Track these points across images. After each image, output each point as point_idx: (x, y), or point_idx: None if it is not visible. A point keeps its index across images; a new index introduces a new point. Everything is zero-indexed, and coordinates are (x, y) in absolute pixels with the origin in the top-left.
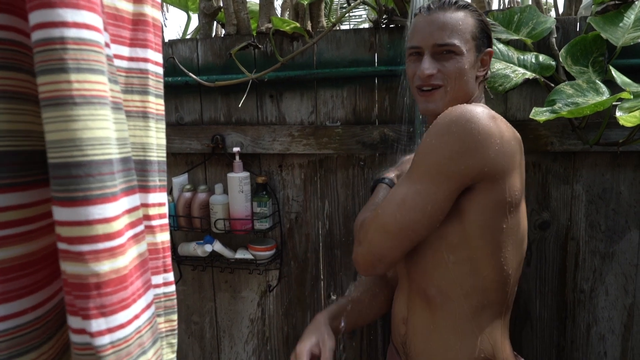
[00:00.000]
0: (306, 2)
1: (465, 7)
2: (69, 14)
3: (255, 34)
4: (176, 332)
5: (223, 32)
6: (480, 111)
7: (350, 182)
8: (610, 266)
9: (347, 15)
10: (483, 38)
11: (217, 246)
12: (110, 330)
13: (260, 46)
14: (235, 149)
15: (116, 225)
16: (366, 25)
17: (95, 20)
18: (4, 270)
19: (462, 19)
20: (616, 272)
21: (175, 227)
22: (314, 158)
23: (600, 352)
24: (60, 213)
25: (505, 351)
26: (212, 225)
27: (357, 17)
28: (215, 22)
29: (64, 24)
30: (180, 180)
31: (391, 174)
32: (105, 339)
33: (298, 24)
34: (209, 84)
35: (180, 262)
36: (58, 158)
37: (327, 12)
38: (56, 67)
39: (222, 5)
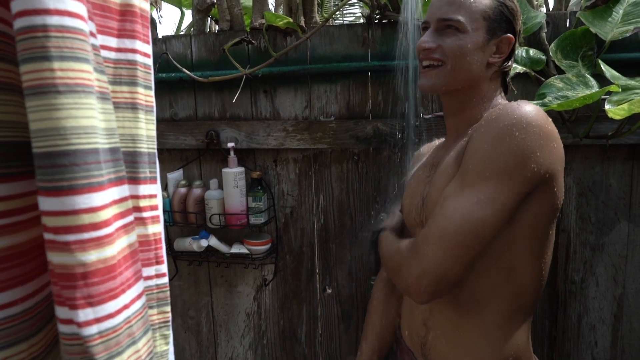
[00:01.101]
0: None
1: None
2: (51, 2)
3: (248, 30)
4: (170, 323)
5: (217, 28)
6: (537, 111)
7: (344, 176)
8: (600, 257)
9: (340, 10)
10: (501, 22)
11: (213, 241)
12: (98, 320)
13: (253, 42)
14: (230, 145)
15: (103, 215)
16: (362, 21)
17: (79, 8)
18: None
19: None
20: (606, 263)
21: (170, 223)
22: (309, 153)
23: (591, 341)
24: (45, 203)
25: (529, 352)
26: (208, 220)
27: (351, 14)
28: (208, 18)
29: (46, 12)
30: (175, 176)
31: (389, 222)
32: (92, 329)
33: (291, 20)
34: (203, 80)
35: (176, 258)
36: (42, 147)
37: (320, 8)
38: (39, 55)
39: (215, 1)
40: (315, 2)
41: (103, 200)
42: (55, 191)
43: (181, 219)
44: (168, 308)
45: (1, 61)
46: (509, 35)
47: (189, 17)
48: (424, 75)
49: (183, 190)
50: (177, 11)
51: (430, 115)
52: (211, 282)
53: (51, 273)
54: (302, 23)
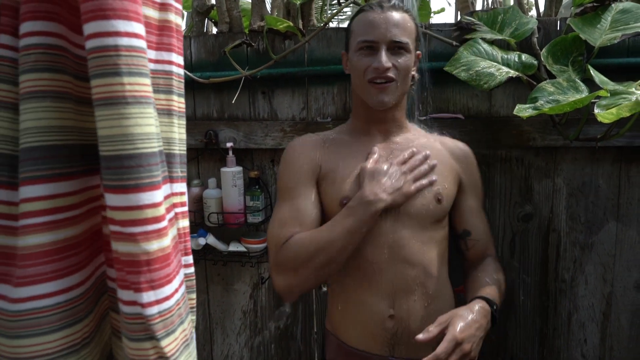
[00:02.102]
0: (298, 2)
1: (408, 11)
2: (121, 25)
3: (247, 32)
4: (195, 309)
5: (215, 29)
6: None
7: None
8: (589, 256)
9: (339, 12)
10: (418, 41)
11: (210, 239)
12: (158, 302)
13: (253, 44)
14: (229, 144)
15: (161, 210)
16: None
17: (141, 29)
18: (57, 250)
19: (409, 20)
20: (595, 262)
21: None
22: None
23: (580, 339)
24: (113, 199)
25: None
26: (206, 219)
27: (342, 14)
28: (207, 20)
29: (118, 34)
30: None
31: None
32: (154, 309)
33: (291, 23)
34: (203, 81)
35: None
36: (111, 151)
37: (320, 11)
38: (111, 71)
39: (214, 3)
40: (313, 6)
41: (160, 197)
42: (123, 189)
43: None
44: (194, 295)
45: (62, 73)
46: (419, 52)
47: (188, 18)
48: (382, 92)
49: None
50: None
51: (425, 117)
52: (208, 280)
53: (116, 260)
54: (301, 26)
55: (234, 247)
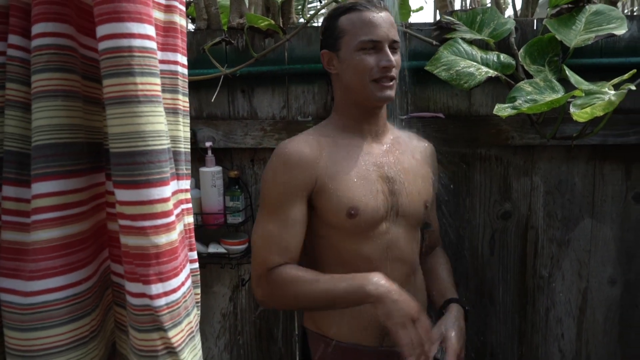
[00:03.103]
0: (279, 0)
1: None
2: (135, 27)
3: (226, 29)
4: (200, 304)
5: (193, 26)
6: None
7: None
8: (566, 253)
9: (308, 9)
10: None
11: None
12: (166, 294)
13: (233, 41)
14: (207, 144)
15: (170, 205)
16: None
17: (152, 30)
18: (67, 244)
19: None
20: (571, 258)
21: None
22: None
23: (558, 334)
24: (123, 194)
25: None
26: None
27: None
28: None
29: (131, 35)
30: None
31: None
32: (162, 301)
33: (272, 21)
34: None
35: None
36: (122, 148)
37: (302, 9)
38: (124, 71)
39: (192, 0)
40: (293, 4)
41: (169, 192)
42: (134, 184)
43: None
44: (199, 290)
45: (72, 73)
46: None
47: None
48: (390, 89)
49: None
50: None
51: (406, 116)
52: None
53: (125, 254)
54: (281, 24)
55: (214, 248)
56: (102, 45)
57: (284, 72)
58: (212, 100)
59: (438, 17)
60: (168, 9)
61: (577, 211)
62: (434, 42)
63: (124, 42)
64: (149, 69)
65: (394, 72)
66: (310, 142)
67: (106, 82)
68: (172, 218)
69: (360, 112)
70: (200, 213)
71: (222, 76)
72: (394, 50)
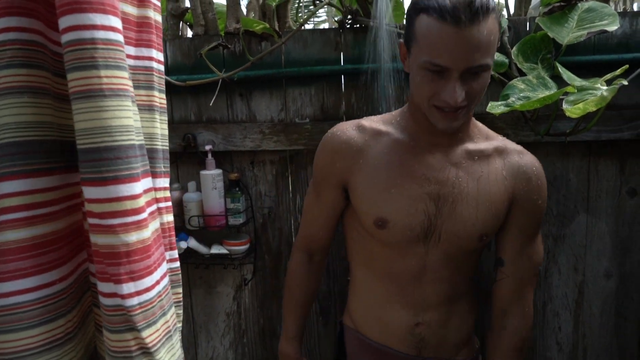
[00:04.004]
0: (274, 4)
1: (493, 9)
2: (98, 18)
3: (223, 34)
4: (182, 304)
5: (191, 32)
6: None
7: None
8: (562, 248)
9: (305, 12)
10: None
11: (192, 243)
12: (139, 293)
13: (229, 46)
14: (207, 147)
15: (141, 202)
16: (327, 25)
17: (117, 22)
18: (37, 245)
19: (492, 29)
20: (567, 253)
21: None
22: (285, 154)
23: (555, 327)
24: (91, 192)
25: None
26: (186, 222)
27: (318, 18)
28: (182, 23)
29: (94, 27)
30: None
31: None
32: (134, 300)
33: (267, 25)
34: (179, 84)
35: None
36: (89, 144)
37: (295, 13)
38: (88, 64)
39: (189, 6)
40: (289, 8)
41: (139, 189)
42: (102, 181)
43: None
44: (180, 289)
45: (40, 69)
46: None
47: (163, 22)
48: (452, 119)
49: None
50: None
51: None
52: (190, 284)
53: (96, 253)
54: (277, 27)
55: (216, 249)
56: (65, 38)
57: (281, 75)
58: (211, 104)
59: None
60: (141, 3)
61: (573, 207)
62: None
63: (87, 34)
64: (115, 62)
65: (464, 103)
66: (362, 129)
67: (70, 76)
68: (144, 215)
69: (427, 122)
70: (202, 215)
71: (220, 80)
72: (474, 75)
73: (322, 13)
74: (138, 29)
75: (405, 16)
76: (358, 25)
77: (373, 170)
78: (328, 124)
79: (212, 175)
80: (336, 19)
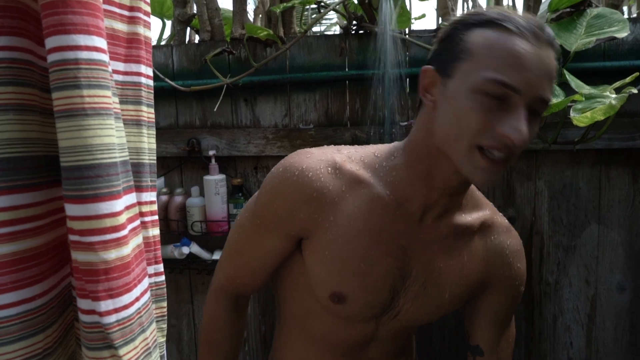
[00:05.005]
0: (278, 10)
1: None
2: (82, 39)
3: (229, 40)
4: (166, 318)
5: (197, 38)
6: None
7: None
8: (572, 259)
9: (319, 20)
10: None
11: (194, 248)
12: (117, 310)
13: (234, 52)
14: (211, 152)
15: (121, 219)
16: (338, 27)
17: (102, 43)
18: (17, 260)
19: (556, 64)
20: (578, 264)
21: None
22: None
23: (566, 342)
24: (72, 209)
25: None
26: (189, 227)
27: (327, 20)
28: (189, 29)
29: (78, 47)
30: (157, 183)
31: None
32: (112, 318)
33: (271, 31)
34: (184, 89)
35: None
36: (71, 162)
37: (300, 18)
38: (71, 84)
39: (196, 12)
40: (294, 14)
41: (120, 206)
42: (82, 199)
43: (163, 226)
44: (165, 304)
45: (27, 86)
46: None
47: (169, 27)
48: (497, 167)
49: (164, 198)
50: (159, 22)
51: (406, 123)
52: (192, 290)
53: (76, 270)
54: (282, 34)
55: (218, 255)
56: (50, 58)
57: (285, 81)
58: (215, 109)
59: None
60: (131, 20)
61: (583, 216)
62: None
63: (70, 55)
64: (97, 81)
65: (525, 146)
66: (340, 174)
67: (54, 95)
68: (124, 232)
69: (433, 176)
70: (204, 221)
71: (225, 86)
72: (536, 114)
73: (332, 16)
74: (127, 45)
75: (440, 36)
76: (363, 31)
77: (343, 235)
78: (332, 130)
79: (215, 180)
80: (341, 24)
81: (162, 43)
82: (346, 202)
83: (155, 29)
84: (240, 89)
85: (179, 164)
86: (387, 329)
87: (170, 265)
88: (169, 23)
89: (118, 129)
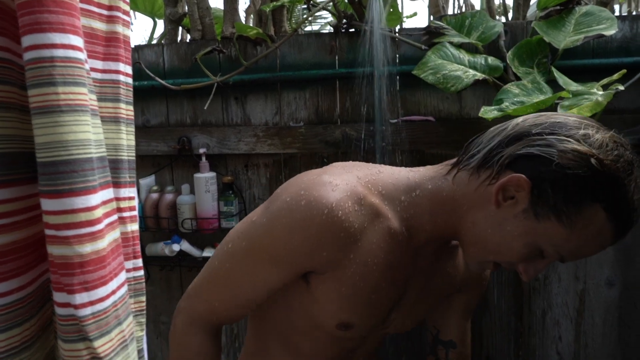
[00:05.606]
0: (268, 9)
1: None
2: (58, 37)
3: (219, 39)
4: (145, 312)
5: (188, 37)
6: None
7: None
8: None
9: (309, 19)
10: None
11: (185, 245)
12: (92, 303)
13: (224, 51)
14: (202, 150)
15: (96, 214)
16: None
17: (78, 41)
18: None
19: None
20: None
21: (142, 228)
22: (279, 157)
23: (555, 336)
24: (48, 204)
25: None
26: (180, 225)
27: (322, 18)
28: (180, 28)
29: (54, 46)
30: (147, 181)
31: None
32: (87, 311)
33: (261, 30)
34: (175, 88)
35: (148, 263)
36: (47, 157)
37: (289, 17)
38: (46, 81)
39: (187, 11)
40: (285, 12)
41: (96, 201)
42: (57, 194)
43: (153, 224)
44: (144, 298)
45: (6, 84)
46: None
47: (161, 26)
48: (488, 270)
49: (155, 195)
50: (150, 21)
51: (396, 120)
52: (183, 287)
53: (51, 264)
54: (272, 32)
55: (209, 252)
56: (26, 56)
57: (275, 79)
58: (206, 107)
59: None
60: (110, 19)
61: None
62: (423, 47)
63: (46, 53)
64: (73, 79)
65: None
66: (363, 205)
67: (30, 92)
68: (99, 227)
69: (445, 227)
70: (195, 218)
71: (215, 84)
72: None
73: (327, 15)
74: (106, 44)
75: (576, 175)
76: (353, 30)
77: (361, 274)
78: (322, 128)
79: (205, 178)
80: (332, 22)
81: (154, 42)
82: (366, 237)
83: (147, 28)
84: (230, 88)
85: (169, 162)
86: (374, 338)
87: (161, 262)
88: (160, 22)
89: (95, 126)
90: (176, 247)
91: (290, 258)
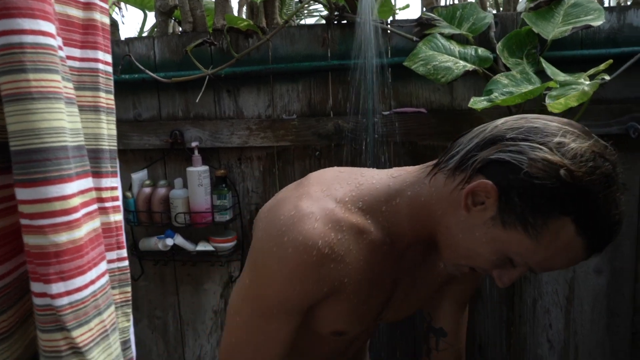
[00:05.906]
0: (259, 1)
1: None
2: (27, 23)
3: (211, 31)
4: (130, 303)
5: (179, 29)
6: None
7: (307, 172)
8: None
9: (301, 10)
10: None
11: (178, 240)
12: (69, 293)
13: (215, 43)
14: (194, 144)
15: (72, 202)
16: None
17: (49, 27)
18: None
19: None
20: None
21: (135, 223)
22: (272, 150)
23: (545, 324)
24: (22, 193)
25: None
26: (173, 219)
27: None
28: (171, 20)
29: (23, 32)
30: (140, 176)
31: None
32: (64, 300)
33: (251, 22)
34: (166, 81)
35: (141, 258)
36: (20, 146)
37: (281, 9)
38: (16, 68)
39: (178, 3)
40: (277, 4)
41: (72, 190)
42: (31, 182)
43: (146, 218)
44: (129, 288)
45: None
46: None
47: (151, 18)
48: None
49: (147, 190)
50: (140, 13)
51: (388, 112)
52: (177, 281)
53: (27, 254)
54: (264, 24)
55: (202, 246)
56: None
57: (268, 72)
58: (197, 100)
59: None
60: (87, 6)
61: None
62: (415, 38)
63: (15, 39)
64: (45, 65)
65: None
66: (345, 236)
67: (1, 79)
68: (76, 216)
69: (425, 232)
70: (188, 212)
71: (207, 77)
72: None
73: (321, 8)
74: (84, 32)
75: (544, 186)
76: (345, 22)
77: (354, 292)
78: (315, 120)
79: (198, 171)
80: (323, 14)
81: (144, 34)
82: (353, 257)
83: (137, 21)
84: (223, 80)
85: (162, 156)
86: (367, 334)
87: (155, 257)
88: (151, 14)
89: (71, 114)
90: (170, 242)
91: (297, 303)
